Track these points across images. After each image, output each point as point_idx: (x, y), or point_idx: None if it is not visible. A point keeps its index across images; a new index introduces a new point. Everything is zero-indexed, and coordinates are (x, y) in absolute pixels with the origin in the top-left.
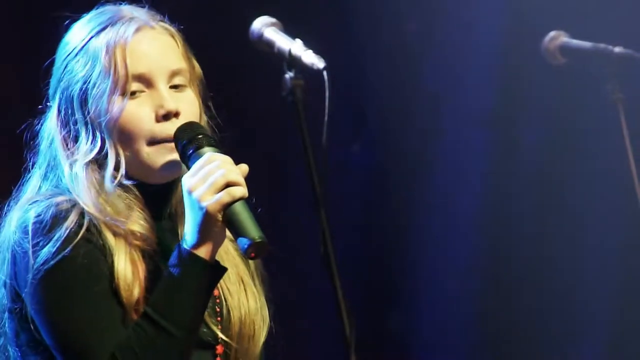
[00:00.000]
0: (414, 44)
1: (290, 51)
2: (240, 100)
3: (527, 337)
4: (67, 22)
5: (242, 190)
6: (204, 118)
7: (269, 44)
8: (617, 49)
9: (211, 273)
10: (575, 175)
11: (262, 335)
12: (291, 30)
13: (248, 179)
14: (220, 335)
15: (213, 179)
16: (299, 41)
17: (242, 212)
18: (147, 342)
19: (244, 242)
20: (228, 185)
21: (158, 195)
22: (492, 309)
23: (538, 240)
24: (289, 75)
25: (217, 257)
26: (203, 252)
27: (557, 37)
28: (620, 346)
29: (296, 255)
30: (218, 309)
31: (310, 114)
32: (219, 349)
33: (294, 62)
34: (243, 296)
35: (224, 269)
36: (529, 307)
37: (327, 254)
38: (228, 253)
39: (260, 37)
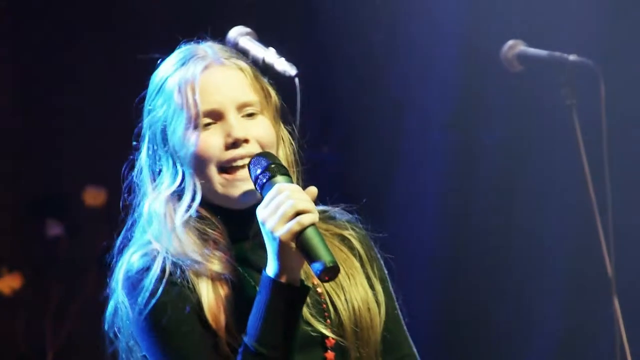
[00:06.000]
0: (378, 51)
1: (264, 59)
2: None
3: (484, 328)
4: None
5: (311, 217)
6: (286, 142)
7: (244, 52)
8: (572, 57)
9: (295, 295)
10: (531, 175)
11: (379, 320)
12: (263, 39)
13: None
14: (328, 334)
15: (283, 210)
16: (272, 49)
17: (314, 238)
18: None
19: (316, 267)
20: (297, 214)
21: (242, 217)
22: (452, 301)
23: (496, 237)
24: None
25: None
26: (284, 277)
27: (514, 46)
28: (570, 340)
29: None
30: (324, 305)
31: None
32: (330, 341)
33: (267, 69)
34: (354, 290)
35: (309, 288)
36: (486, 300)
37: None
38: (334, 251)
39: (236, 45)
